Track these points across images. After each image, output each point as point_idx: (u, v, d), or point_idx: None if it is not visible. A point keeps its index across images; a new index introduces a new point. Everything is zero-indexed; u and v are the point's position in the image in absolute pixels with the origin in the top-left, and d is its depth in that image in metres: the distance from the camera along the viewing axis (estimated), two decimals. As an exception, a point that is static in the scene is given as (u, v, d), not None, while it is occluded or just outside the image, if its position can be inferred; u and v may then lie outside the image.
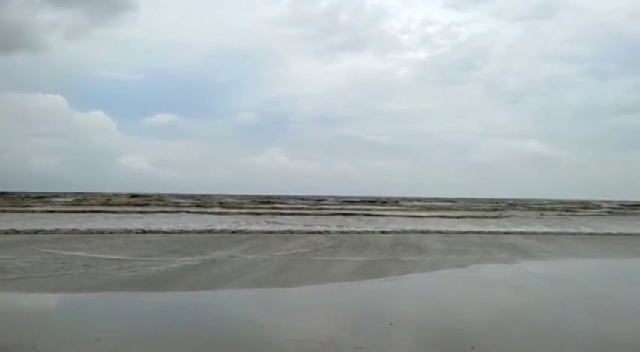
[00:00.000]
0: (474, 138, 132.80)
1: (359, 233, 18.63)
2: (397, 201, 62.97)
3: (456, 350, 5.20)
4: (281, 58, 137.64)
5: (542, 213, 38.04)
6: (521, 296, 8.34)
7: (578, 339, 5.72)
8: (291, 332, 5.80)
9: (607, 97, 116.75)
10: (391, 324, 6.11)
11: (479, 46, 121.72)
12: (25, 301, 7.55)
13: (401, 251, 13.38)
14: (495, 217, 30.89)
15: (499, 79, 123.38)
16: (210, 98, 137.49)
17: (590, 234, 20.01)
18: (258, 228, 19.81)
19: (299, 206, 43.05)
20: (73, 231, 17.30)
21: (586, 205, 55.26)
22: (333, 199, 66.55)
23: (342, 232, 18.71)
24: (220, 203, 44.59)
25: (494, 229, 20.98)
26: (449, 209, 42.38)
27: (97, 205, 38.38)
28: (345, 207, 43.74)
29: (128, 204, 40.20)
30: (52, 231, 17.09)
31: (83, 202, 42.19)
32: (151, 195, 63.49)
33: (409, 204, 54.63)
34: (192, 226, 19.96)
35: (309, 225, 21.21)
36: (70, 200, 46.44)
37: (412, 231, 19.26)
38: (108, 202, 42.91)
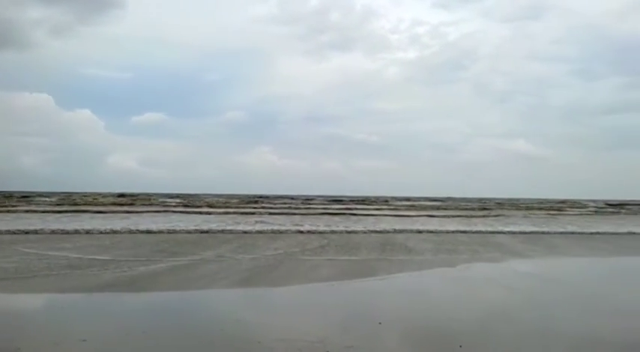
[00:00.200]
0: (462, 138, 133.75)
1: (347, 232, 18.63)
2: (386, 201, 63.16)
3: (445, 349, 5.20)
4: (270, 56, 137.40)
5: (530, 212, 38.40)
6: (509, 295, 8.38)
7: (566, 337, 5.75)
8: (280, 331, 5.76)
9: (594, 98, 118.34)
10: (380, 323, 6.10)
11: (467, 46, 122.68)
12: (9, 302, 7.41)
13: (390, 250, 13.40)
14: (484, 217, 31.11)
15: (487, 79, 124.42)
16: (199, 97, 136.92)
17: (578, 233, 20.21)
18: (247, 227, 19.72)
19: (287, 205, 43.00)
20: (58, 231, 17.09)
21: (573, 204, 55.89)
22: (321, 198, 66.60)
23: (331, 232, 18.70)
24: (208, 202, 44.34)
25: (483, 228, 21.12)
26: (438, 208, 42.63)
27: (83, 205, 37.99)
28: (333, 206, 43.79)
29: (115, 204, 39.83)
30: (36, 231, 16.87)
31: (69, 202, 41.69)
32: (138, 195, 62.98)
33: (398, 203, 54.80)
34: (180, 226, 19.81)
35: (298, 225, 21.17)
36: (55, 199, 45.87)
37: (401, 231, 19.30)
38: (95, 202, 42.49)
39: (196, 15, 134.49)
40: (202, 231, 17.88)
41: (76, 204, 37.92)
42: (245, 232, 18.04)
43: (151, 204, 40.39)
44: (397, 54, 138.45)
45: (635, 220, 30.05)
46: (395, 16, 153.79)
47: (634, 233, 20.20)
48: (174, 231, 17.83)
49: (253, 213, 30.13)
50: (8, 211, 28.50)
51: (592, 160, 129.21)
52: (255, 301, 7.79)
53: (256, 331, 5.79)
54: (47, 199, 46.17)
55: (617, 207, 49.96)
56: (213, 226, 19.73)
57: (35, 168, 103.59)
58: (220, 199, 53.89)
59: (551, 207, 48.52)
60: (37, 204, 37.13)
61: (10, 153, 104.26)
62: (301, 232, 18.33)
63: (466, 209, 41.82)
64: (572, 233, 20.06)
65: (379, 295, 8.22)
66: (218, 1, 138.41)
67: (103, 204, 39.01)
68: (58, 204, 37.30)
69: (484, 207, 46.30)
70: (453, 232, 19.29)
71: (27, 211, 28.61)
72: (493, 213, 36.18)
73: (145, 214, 28.21)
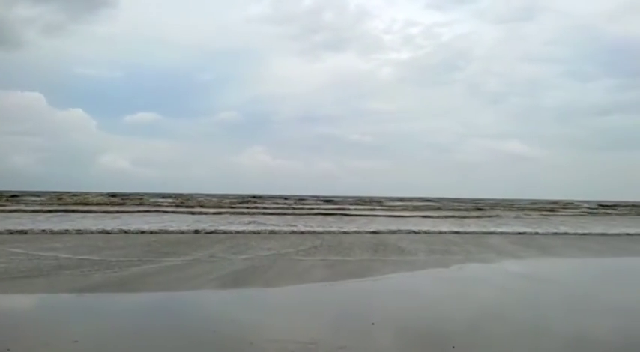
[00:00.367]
0: (456, 138, 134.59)
1: (341, 233, 18.60)
2: (380, 201, 63.22)
3: (438, 350, 5.18)
4: (264, 56, 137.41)
5: (524, 213, 38.56)
6: (502, 296, 8.39)
7: (558, 337, 5.75)
8: (272, 332, 5.72)
9: (587, 99, 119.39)
10: (373, 324, 6.07)
11: (461, 47, 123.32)
12: (-3, 303, 7.32)
13: (383, 251, 13.38)
14: (477, 217, 31.20)
15: (481, 80, 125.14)
16: (192, 96, 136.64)
17: (570, 234, 20.30)
18: (240, 227, 19.64)
19: (281, 205, 42.92)
20: (48, 231, 16.92)
21: (566, 205, 56.22)
22: (315, 199, 66.55)
23: (324, 232, 18.65)
24: (201, 202, 44.16)
25: (476, 229, 21.17)
26: (431, 209, 42.71)
27: (74, 204, 37.69)
28: (327, 206, 43.76)
29: (107, 204, 39.58)
30: (25, 231, 16.69)
31: (60, 201, 41.36)
32: (130, 195, 62.64)
33: (392, 203, 54.85)
34: (172, 226, 19.69)
35: (291, 225, 21.12)
36: (45, 199, 45.50)
37: (394, 231, 19.29)
38: (86, 201, 42.17)
39: (189, 14, 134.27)
40: (194, 231, 17.77)
41: (66, 204, 37.60)
42: (238, 232, 17.96)
43: (143, 204, 40.14)
44: (391, 54, 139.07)
45: (627, 221, 30.28)
46: (388, 17, 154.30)
47: (626, 234, 20.33)
48: (166, 231, 17.71)
49: (246, 213, 30.03)
50: (-2, 211, 28.23)
51: (585, 161, 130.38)
52: (247, 302, 7.74)
53: (249, 332, 5.74)
54: (37, 198, 45.76)
55: (610, 208, 50.34)
56: (206, 226, 19.62)
57: (27, 168, 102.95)
58: (213, 199, 53.66)
59: (543, 207, 48.76)
60: (27, 204, 36.81)
61: (1, 152, 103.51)
62: (294, 232, 18.29)
63: (459, 209, 41.93)
64: (565, 234, 20.14)
65: (372, 295, 8.20)
66: (212, 0, 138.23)
67: (95, 204, 38.74)
68: (48, 204, 36.99)
69: (477, 207, 46.45)
70: (446, 233, 19.32)
71: (16, 211, 28.32)
72: (486, 213, 36.32)
73: (136, 214, 28.04)
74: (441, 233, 19.20)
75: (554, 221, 28.86)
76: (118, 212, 29.32)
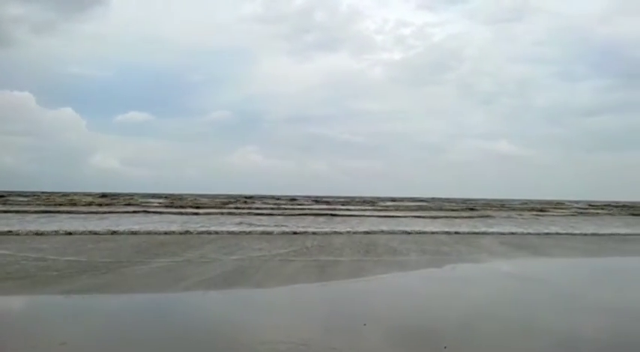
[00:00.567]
0: (447, 139, 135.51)
1: (332, 233, 18.55)
2: (371, 201, 63.28)
3: (430, 350, 5.14)
4: (256, 56, 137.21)
5: (515, 213, 38.76)
6: (494, 296, 8.39)
7: (549, 336, 5.75)
8: (263, 333, 5.65)
9: (576, 99, 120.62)
10: (365, 325, 6.03)
11: (452, 47, 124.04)
12: (-18, 305, 7.19)
13: (374, 251, 13.35)
14: (469, 217, 31.28)
15: (472, 80, 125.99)
16: (184, 96, 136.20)
17: (560, 234, 20.40)
18: (231, 228, 19.54)
19: (272, 205, 42.80)
20: (35, 232, 16.69)
21: (556, 205, 56.62)
22: (306, 199, 66.51)
23: (315, 232, 18.59)
24: (192, 203, 43.92)
25: (468, 229, 21.21)
26: (423, 209, 42.79)
27: (63, 205, 37.32)
28: (318, 206, 43.73)
29: (96, 204, 39.22)
30: (14, 232, 16.47)
31: (48, 201, 40.94)
32: (121, 195, 62.24)
33: (383, 204, 54.92)
34: (162, 226, 19.54)
35: (282, 225, 21.05)
36: (32, 199, 45.04)
37: (386, 232, 19.28)
38: (76, 202, 41.77)
39: (181, 14, 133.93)
40: (185, 232, 17.63)
41: (55, 204, 37.23)
42: (229, 233, 17.85)
43: (133, 204, 39.86)
44: (382, 54, 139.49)
45: (616, 221, 30.53)
46: (380, 17, 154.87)
47: (615, 234, 20.48)
48: (156, 232, 17.55)
49: (237, 214, 29.90)
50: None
51: (575, 161, 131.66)
52: (238, 302, 7.66)
53: (239, 333, 5.68)
54: (24, 199, 45.28)
55: (600, 208, 50.78)
56: (196, 227, 19.50)
57: (16, 168, 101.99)
58: (204, 199, 53.47)
59: (534, 207, 49.06)
60: (12, 204, 36.37)
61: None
62: (285, 233, 18.20)
63: (451, 209, 42.05)
64: (556, 234, 20.23)
65: (364, 296, 8.15)
66: (203, 0, 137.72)
67: (84, 204, 38.38)
68: (36, 204, 36.59)
69: (469, 207, 46.62)
70: (437, 233, 19.33)
71: (3, 212, 27.95)
72: (478, 213, 36.45)
73: (126, 214, 27.82)
74: (432, 233, 19.21)
75: (545, 221, 29.03)
76: (107, 212, 29.09)
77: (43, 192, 66.76)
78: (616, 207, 55.42)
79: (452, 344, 5.24)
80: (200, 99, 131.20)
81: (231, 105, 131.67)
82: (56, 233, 16.57)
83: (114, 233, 16.93)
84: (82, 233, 16.75)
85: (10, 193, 58.36)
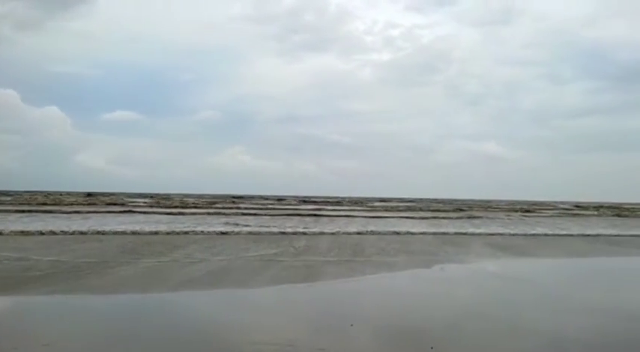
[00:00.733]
0: (435, 140, 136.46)
1: (320, 233, 18.51)
2: (360, 202, 63.39)
3: (416, 350, 5.13)
4: (244, 56, 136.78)
5: (502, 213, 39.10)
6: (481, 296, 8.42)
7: (535, 337, 5.78)
8: (250, 334, 5.60)
9: (563, 101, 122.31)
10: (352, 325, 6.00)
11: (440, 48, 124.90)
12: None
13: (362, 252, 13.34)
14: (457, 218, 31.45)
15: (460, 82, 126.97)
16: (172, 95, 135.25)
17: (547, 234, 20.57)
18: (218, 228, 19.40)
19: (260, 206, 42.67)
20: (19, 232, 16.41)
21: (543, 206, 57.26)
22: (295, 199, 66.46)
23: (303, 233, 18.55)
24: (179, 203, 43.61)
25: (455, 230, 21.29)
26: (411, 210, 42.95)
27: (48, 204, 36.82)
28: (306, 207, 43.71)
29: (82, 204, 38.77)
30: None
31: (32, 201, 40.37)
32: (107, 194, 61.64)
33: (371, 204, 55.04)
34: (149, 226, 19.36)
35: (269, 226, 20.96)
36: (17, 198, 44.37)
37: (374, 232, 19.28)
38: (60, 201, 41.24)
39: (169, 12, 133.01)
40: (171, 232, 17.46)
41: (39, 204, 36.73)
42: (215, 233, 17.72)
43: (118, 204, 39.48)
44: (371, 55, 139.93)
45: (602, 222, 30.92)
46: (369, 18, 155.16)
47: (601, 235, 20.71)
48: (141, 232, 17.37)
49: (225, 214, 29.74)
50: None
51: (561, 163, 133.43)
52: (224, 303, 7.60)
53: (226, 334, 5.63)
54: (8, 198, 44.59)
55: (586, 209, 51.45)
56: (183, 227, 19.35)
57: (0, 167, 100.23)
58: (192, 199, 53.13)
59: (522, 208, 49.54)
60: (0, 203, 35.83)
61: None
62: (272, 233, 18.12)
63: (439, 210, 42.28)
64: (544, 235, 20.37)
65: (351, 296, 8.13)
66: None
67: (69, 204, 37.90)
68: (19, 204, 36.04)
69: (457, 208, 46.91)
70: (425, 234, 19.38)
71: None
72: (465, 214, 36.67)
73: (112, 214, 27.52)
74: (420, 234, 19.26)
75: (532, 222, 29.29)
76: (92, 212, 28.75)
77: (27, 191, 65.85)
78: (602, 208, 56.21)
79: (439, 345, 5.25)
80: (188, 99, 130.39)
81: (219, 105, 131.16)
82: (40, 233, 16.31)
83: (99, 233, 16.71)
84: (66, 233, 16.51)
85: (-7, 192, 57.41)
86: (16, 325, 6.05)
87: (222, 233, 17.71)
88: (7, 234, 15.75)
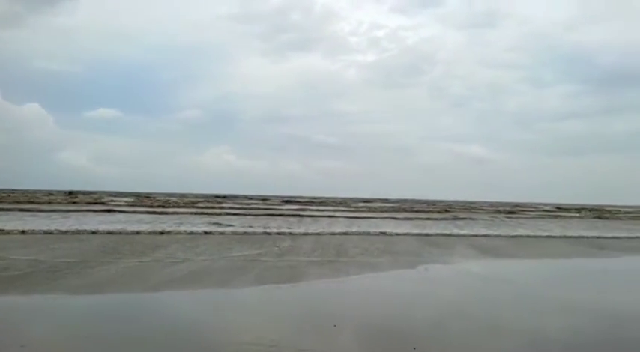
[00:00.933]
0: (419, 141, 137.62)
1: (303, 234, 18.46)
2: (344, 202, 63.52)
3: (399, 351, 5.12)
4: (230, 55, 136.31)
5: (484, 214, 39.45)
6: (464, 296, 8.46)
7: (516, 336, 5.85)
8: (232, 334, 5.56)
9: (544, 104, 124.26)
10: (335, 326, 5.99)
11: (425, 50, 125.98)
12: None
13: (346, 252, 13.32)
14: (440, 219, 31.65)
15: (444, 84, 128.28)
16: (156, 93, 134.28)
17: (529, 236, 20.79)
18: (201, 228, 19.23)
19: (243, 205, 42.47)
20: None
21: (525, 207, 58.03)
22: (279, 199, 66.30)
23: (286, 233, 18.48)
24: (162, 202, 43.20)
25: (439, 231, 21.42)
26: (395, 210, 43.13)
27: (27, 202, 36.18)
28: (290, 207, 43.64)
29: (62, 202, 38.16)
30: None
31: (11, 199, 39.63)
32: (88, 193, 60.79)
33: (355, 205, 55.16)
34: (130, 226, 19.12)
35: (253, 226, 20.84)
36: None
37: (358, 233, 19.30)
38: (40, 199, 40.56)
39: (154, 9, 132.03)
40: (152, 232, 17.26)
41: (18, 202, 36.06)
42: (198, 233, 17.55)
43: (99, 203, 38.95)
44: (356, 56, 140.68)
45: (583, 224, 31.37)
46: (355, 19, 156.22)
47: (582, 236, 20.98)
48: (122, 232, 17.12)
49: (208, 214, 29.53)
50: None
51: (543, 165, 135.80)
52: (206, 303, 7.51)
53: (208, 334, 5.57)
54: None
55: (567, 211, 52.27)
56: (165, 226, 19.14)
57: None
58: (174, 198, 52.68)
59: (503, 209, 50.09)
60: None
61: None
62: (256, 233, 18.02)
63: (423, 211, 42.55)
64: (527, 236, 20.56)
65: (334, 297, 8.12)
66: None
67: (49, 202, 37.28)
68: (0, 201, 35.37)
69: (440, 209, 47.25)
70: (409, 234, 19.45)
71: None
72: (449, 215, 36.95)
73: (92, 213, 27.12)
74: (404, 234, 19.32)
75: (514, 223, 29.61)
76: (73, 211, 28.30)
77: (5, 190, 64.60)
78: (584, 210, 57.23)
79: (422, 344, 5.26)
80: (172, 97, 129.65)
81: (204, 104, 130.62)
82: (19, 232, 15.98)
83: (79, 232, 16.43)
84: (46, 232, 16.20)
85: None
86: (-8, 326, 5.91)
87: (206, 233, 17.55)
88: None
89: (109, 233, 16.55)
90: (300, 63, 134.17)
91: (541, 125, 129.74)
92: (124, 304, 7.30)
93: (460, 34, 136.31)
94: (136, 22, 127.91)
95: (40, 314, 6.44)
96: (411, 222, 27.44)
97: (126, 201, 43.11)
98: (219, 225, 21.17)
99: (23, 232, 15.92)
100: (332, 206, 50.83)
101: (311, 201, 61.15)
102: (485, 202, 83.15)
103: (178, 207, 37.51)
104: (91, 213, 26.94)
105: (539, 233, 22.01)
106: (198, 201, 47.00)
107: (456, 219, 32.86)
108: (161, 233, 17.01)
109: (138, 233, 16.86)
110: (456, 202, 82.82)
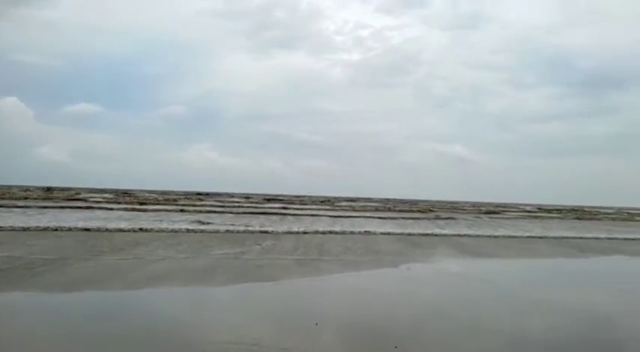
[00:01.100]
0: (402, 140, 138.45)
1: (285, 232, 18.38)
2: (328, 201, 63.53)
3: (380, 350, 5.10)
4: (213, 51, 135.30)
5: (466, 214, 39.81)
6: (445, 296, 8.50)
7: (497, 335, 5.90)
8: (213, 333, 5.48)
9: (526, 106, 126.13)
10: (317, 324, 5.95)
11: (409, 50, 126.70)
12: None
13: (328, 251, 13.30)
14: (422, 219, 31.85)
15: (428, 84, 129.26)
16: (138, 89, 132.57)
17: (510, 236, 21.02)
18: (182, 225, 19.03)
19: (225, 203, 42.17)
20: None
21: (507, 208, 58.79)
22: (261, 197, 66.02)
23: (268, 231, 18.38)
24: (142, 199, 42.66)
25: (421, 231, 21.53)
26: (378, 210, 43.28)
27: (3, 198, 35.39)
28: (273, 205, 43.47)
29: (40, 198, 37.42)
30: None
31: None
32: (68, 189, 59.77)
33: (339, 204, 55.21)
34: (109, 223, 18.82)
35: (235, 224, 20.70)
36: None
37: (340, 232, 19.29)
38: (17, 195, 39.71)
39: (137, 3, 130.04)
40: (131, 229, 17.00)
41: (-5, 198, 35.26)
42: (178, 230, 17.35)
43: (77, 200, 38.30)
44: (341, 55, 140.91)
45: (563, 224, 31.88)
46: (340, 18, 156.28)
47: (563, 237, 21.30)
48: (101, 229, 16.83)
49: (189, 211, 29.26)
50: None
51: (524, 166, 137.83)
52: (187, 301, 7.40)
53: (188, 333, 5.48)
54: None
55: (547, 212, 53.10)
56: (144, 224, 18.87)
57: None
58: (155, 195, 52.08)
59: (485, 210, 50.62)
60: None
61: None
62: (238, 232, 17.89)
63: (405, 211, 42.76)
64: (509, 236, 20.78)
65: (316, 296, 8.09)
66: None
67: (25, 198, 36.52)
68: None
69: (422, 209, 47.57)
70: (392, 234, 19.51)
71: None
72: (431, 215, 37.22)
73: (70, 210, 26.65)
74: (387, 234, 19.37)
75: (496, 223, 29.93)
76: (50, 207, 27.76)
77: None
78: (564, 210, 58.23)
79: (403, 343, 5.26)
80: (155, 93, 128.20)
81: (186, 100, 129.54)
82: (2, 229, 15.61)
83: (57, 229, 16.10)
84: (22, 228, 15.85)
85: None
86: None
87: (187, 230, 17.36)
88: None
89: (88, 230, 16.25)
90: (285, 61, 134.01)
91: (522, 126, 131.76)
92: (103, 302, 7.15)
93: (444, 35, 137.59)
94: (120, 16, 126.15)
95: (16, 312, 6.27)
96: (393, 222, 27.55)
97: (103, 198, 42.44)
98: (201, 222, 20.97)
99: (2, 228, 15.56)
100: (315, 204, 50.80)
101: (294, 200, 61.02)
102: (467, 202, 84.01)
103: (159, 204, 37.07)
104: (69, 210, 26.48)
105: (520, 233, 22.27)
106: (180, 199, 46.55)
107: (438, 218, 33.11)
108: (141, 230, 16.76)
109: (117, 230, 16.58)
110: (439, 202, 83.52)
